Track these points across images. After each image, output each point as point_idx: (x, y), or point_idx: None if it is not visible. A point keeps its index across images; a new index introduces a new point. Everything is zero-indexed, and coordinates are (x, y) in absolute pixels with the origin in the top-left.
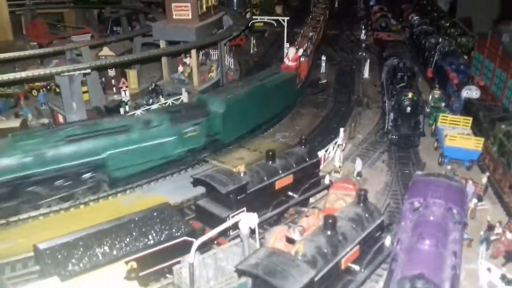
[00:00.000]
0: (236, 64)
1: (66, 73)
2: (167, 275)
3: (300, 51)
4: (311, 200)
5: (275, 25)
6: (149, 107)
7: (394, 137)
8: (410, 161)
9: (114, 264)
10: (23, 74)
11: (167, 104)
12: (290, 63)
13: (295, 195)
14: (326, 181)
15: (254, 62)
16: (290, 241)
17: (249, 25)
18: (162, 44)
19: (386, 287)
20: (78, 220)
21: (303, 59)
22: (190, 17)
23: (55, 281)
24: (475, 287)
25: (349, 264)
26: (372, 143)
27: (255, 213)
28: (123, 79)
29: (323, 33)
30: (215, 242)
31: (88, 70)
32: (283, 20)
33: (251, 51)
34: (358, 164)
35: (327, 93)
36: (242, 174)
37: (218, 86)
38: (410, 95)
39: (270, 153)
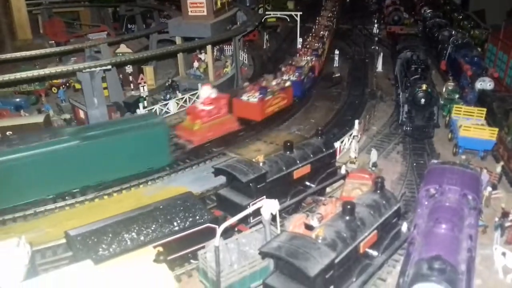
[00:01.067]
0: (249, 59)
1: (88, 70)
2: (191, 260)
3: (214, 93)
4: (328, 189)
5: (288, 20)
6: (166, 102)
7: (408, 128)
8: (425, 151)
9: (143, 249)
10: (47, 71)
11: (184, 100)
12: (201, 108)
13: (312, 185)
14: (343, 171)
15: (268, 57)
16: (309, 227)
17: (262, 20)
18: (178, 40)
19: (403, 269)
20: (102, 210)
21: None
22: (205, 13)
23: (88, 264)
24: (490, 271)
25: (367, 249)
26: (387, 135)
27: (276, 200)
28: (141, 75)
29: (335, 27)
30: (236, 229)
31: (109, 66)
32: (296, 15)
33: (264, 47)
34: (374, 155)
35: (341, 87)
36: (261, 164)
37: (233, 81)
38: (424, 87)
39: (288, 144)
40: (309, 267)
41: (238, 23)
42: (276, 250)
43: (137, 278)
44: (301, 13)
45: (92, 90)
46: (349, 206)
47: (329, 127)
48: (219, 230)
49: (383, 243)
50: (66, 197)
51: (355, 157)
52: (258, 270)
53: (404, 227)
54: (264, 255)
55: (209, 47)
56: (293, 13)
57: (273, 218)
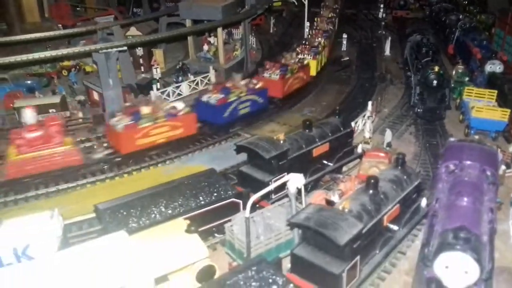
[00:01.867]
0: (257, 43)
1: (104, 50)
2: (215, 234)
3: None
4: (344, 168)
5: (296, 4)
6: (179, 84)
7: (420, 110)
8: (437, 132)
9: (174, 221)
10: (64, 52)
11: (195, 82)
12: (24, 135)
13: (330, 163)
14: (359, 150)
15: (275, 41)
16: (330, 203)
17: (271, 4)
18: (188, 23)
19: (427, 240)
20: (123, 188)
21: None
22: None
23: (123, 234)
24: (507, 245)
25: (388, 224)
26: (398, 117)
27: (301, 174)
28: (154, 57)
29: (340, 11)
30: (257, 205)
31: (125, 48)
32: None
33: (271, 31)
34: (388, 135)
35: (350, 70)
36: (281, 142)
37: (242, 64)
38: (436, 68)
39: (307, 123)
40: (338, 236)
41: (247, 6)
42: (305, 221)
43: (172, 247)
44: None
45: (107, 71)
46: (373, 180)
47: (340, 109)
48: (249, 201)
49: (404, 217)
50: (87, 175)
51: (370, 137)
52: (284, 242)
53: (423, 202)
54: (293, 225)
55: (219, 30)
56: None
57: (298, 192)
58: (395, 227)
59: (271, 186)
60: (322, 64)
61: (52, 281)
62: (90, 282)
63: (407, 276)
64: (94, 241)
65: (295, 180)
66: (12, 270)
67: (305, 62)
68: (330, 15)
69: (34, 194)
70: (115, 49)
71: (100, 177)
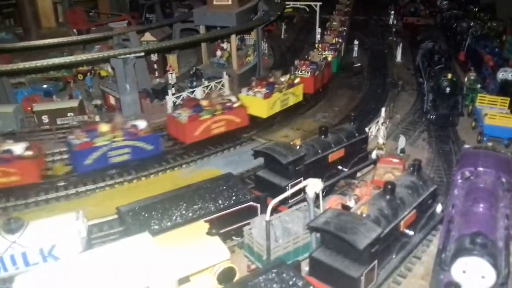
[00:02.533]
0: (269, 49)
1: (123, 56)
2: (233, 237)
3: None
4: (358, 174)
5: (307, 10)
6: (193, 89)
7: (433, 117)
8: (450, 139)
9: (195, 223)
10: (84, 57)
11: (209, 87)
12: None
13: (344, 169)
14: (373, 156)
15: (286, 47)
16: (346, 208)
17: (283, 10)
18: (202, 29)
19: (444, 245)
20: (140, 191)
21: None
22: (230, 2)
23: (147, 236)
24: None
25: (404, 230)
26: (411, 123)
27: (319, 179)
28: (169, 63)
29: (351, 18)
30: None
31: (142, 53)
32: (315, 6)
33: (282, 37)
34: (402, 141)
35: (361, 76)
36: (298, 147)
37: (255, 70)
38: (449, 76)
39: (323, 128)
40: (358, 240)
41: (259, 13)
42: (324, 225)
43: (194, 249)
44: (320, 3)
45: (125, 76)
46: (390, 186)
47: (353, 115)
48: (270, 205)
49: (420, 222)
50: (105, 179)
51: (383, 143)
52: (301, 246)
53: (438, 208)
54: (312, 229)
55: (233, 36)
56: (312, 3)
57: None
58: (410, 232)
59: (290, 191)
60: (325, 81)
61: (80, 281)
62: (116, 282)
63: (423, 281)
64: (118, 242)
65: (313, 185)
66: (41, 270)
67: (296, 81)
68: (341, 21)
69: (54, 196)
70: (133, 55)
71: (118, 180)
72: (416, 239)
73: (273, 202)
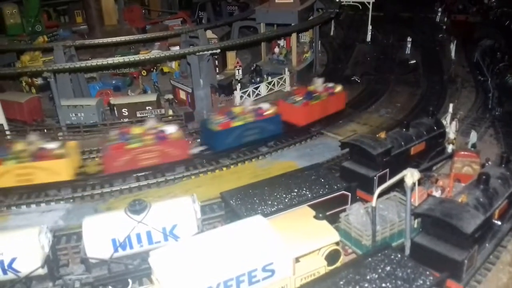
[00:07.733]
0: (321, 46)
1: (200, 53)
2: None
3: None
4: (433, 167)
5: (360, 7)
6: (257, 85)
7: (499, 113)
8: None
9: (300, 208)
10: (162, 54)
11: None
12: None
13: (423, 162)
14: (449, 150)
15: (337, 44)
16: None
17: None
18: (262, 27)
19: None
20: (223, 180)
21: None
22: (292, 0)
23: (259, 218)
24: None
25: (493, 220)
26: (476, 119)
27: (416, 170)
28: (237, 59)
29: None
30: (358, 198)
31: (218, 50)
32: (368, 3)
33: (331, 33)
34: (473, 136)
35: (417, 73)
36: (384, 140)
37: (311, 66)
38: None
39: (405, 122)
40: (465, 225)
41: (315, 10)
42: (430, 211)
43: (306, 231)
44: (373, 0)
45: (199, 72)
46: (484, 177)
47: (416, 111)
48: (376, 192)
49: (509, 212)
50: (191, 168)
51: (454, 138)
52: (396, 232)
53: None
54: (417, 215)
55: (294, 34)
56: (365, 0)
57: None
58: (498, 222)
59: (392, 180)
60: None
61: (213, 256)
62: (245, 258)
63: (511, 267)
64: (236, 223)
65: (411, 175)
66: (174, 246)
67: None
68: None
69: (146, 183)
70: (209, 52)
71: (202, 169)
72: (505, 227)
73: (380, 188)
